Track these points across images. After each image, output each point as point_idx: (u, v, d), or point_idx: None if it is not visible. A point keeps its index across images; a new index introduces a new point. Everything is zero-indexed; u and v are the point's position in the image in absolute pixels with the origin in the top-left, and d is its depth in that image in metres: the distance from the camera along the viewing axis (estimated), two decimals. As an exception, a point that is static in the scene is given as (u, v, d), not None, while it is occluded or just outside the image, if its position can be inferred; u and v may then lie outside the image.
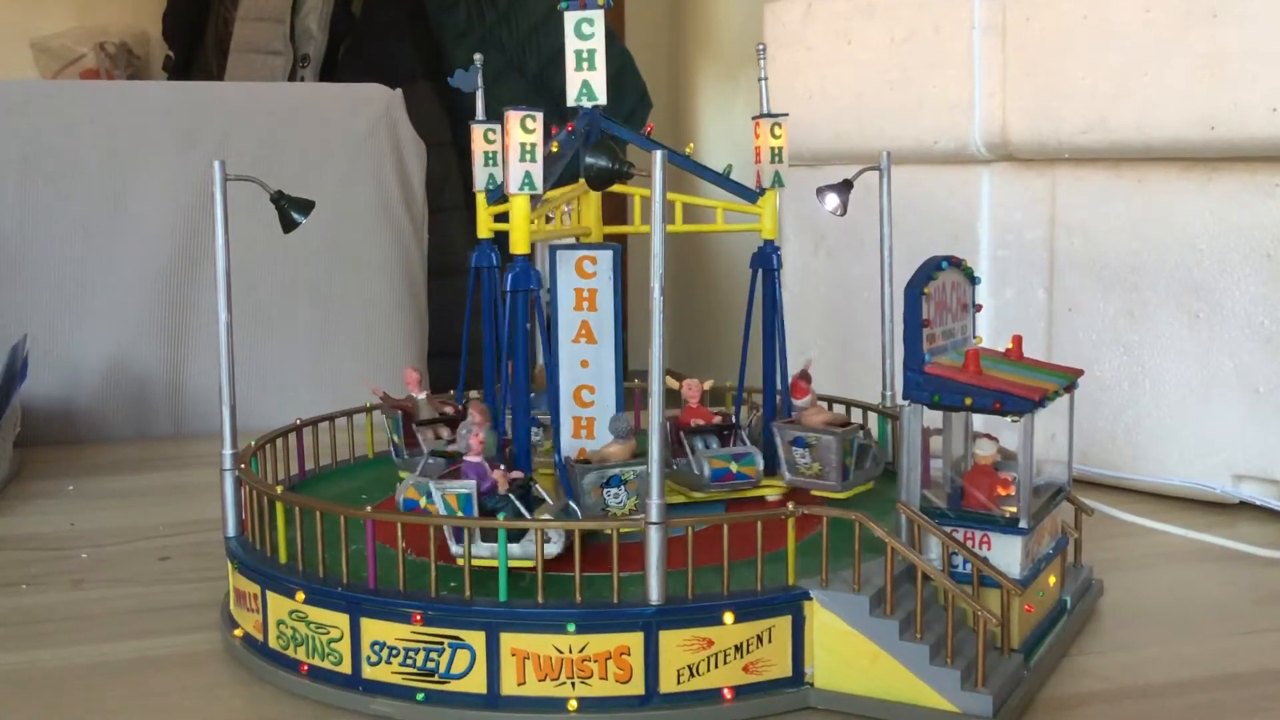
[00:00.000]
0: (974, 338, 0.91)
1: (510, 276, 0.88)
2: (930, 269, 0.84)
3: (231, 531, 0.92)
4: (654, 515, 0.76)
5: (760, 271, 1.03)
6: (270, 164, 1.70)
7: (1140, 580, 1.05)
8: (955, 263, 0.87)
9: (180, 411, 1.71)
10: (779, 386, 1.03)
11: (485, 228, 1.02)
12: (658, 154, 0.76)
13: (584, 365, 0.98)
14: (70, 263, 1.67)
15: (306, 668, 0.82)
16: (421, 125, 1.90)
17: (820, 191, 1.12)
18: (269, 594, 0.85)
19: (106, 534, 1.21)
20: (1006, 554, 0.81)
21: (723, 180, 1.00)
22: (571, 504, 0.88)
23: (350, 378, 1.73)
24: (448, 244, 2.13)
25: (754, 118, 1.02)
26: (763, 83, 1.04)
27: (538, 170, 0.86)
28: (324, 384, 1.73)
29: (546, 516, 0.84)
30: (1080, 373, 0.90)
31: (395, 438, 1.04)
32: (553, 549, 0.81)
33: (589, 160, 0.83)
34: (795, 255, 1.65)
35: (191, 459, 1.55)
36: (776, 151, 1.01)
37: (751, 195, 1.01)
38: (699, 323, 2.93)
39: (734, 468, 0.95)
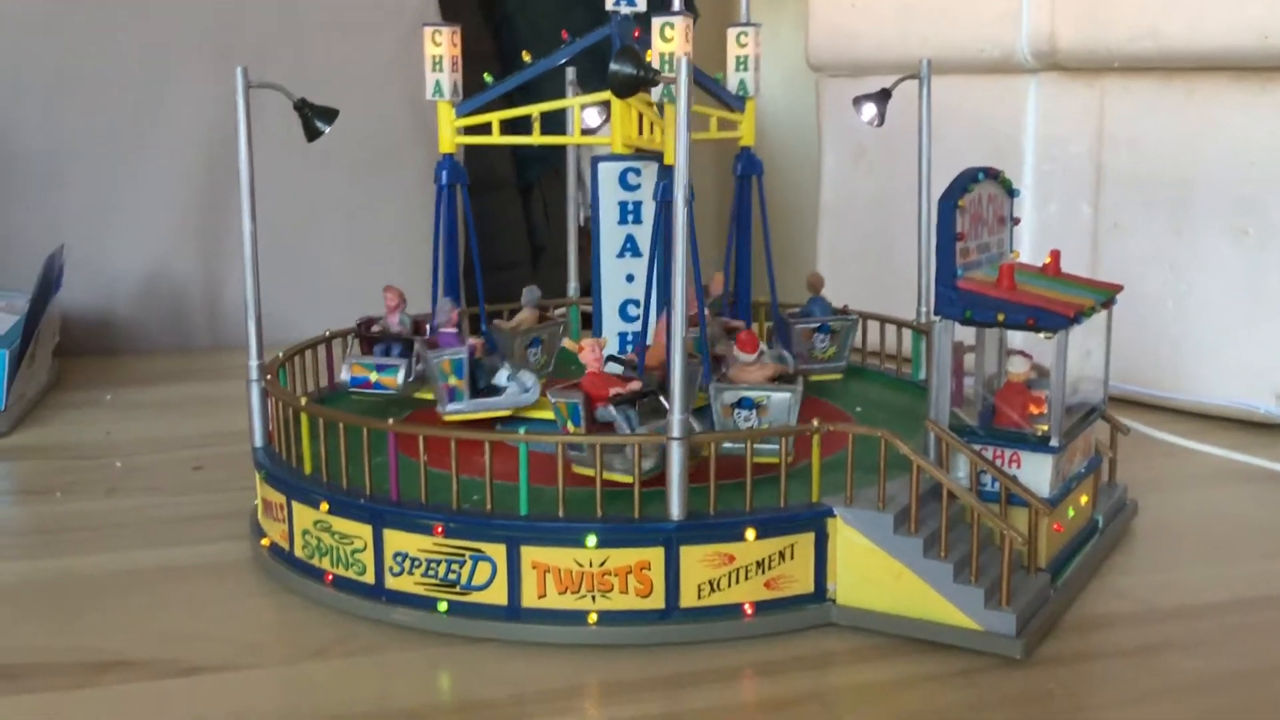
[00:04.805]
0: (1010, 252, 0.89)
1: (444, 172, 1.00)
2: (966, 180, 0.81)
3: (259, 442, 0.93)
4: (676, 430, 0.75)
5: (743, 179, 1.05)
6: (305, 73, 1.66)
7: (1177, 501, 1.03)
8: (992, 174, 0.85)
9: (218, 322, 1.71)
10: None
11: (448, 141, 1.00)
12: (683, 62, 0.74)
13: (628, 280, 0.97)
14: (105, 173, 1.66)
15: (331, 577, 0.83)
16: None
17: (857, 101, 1.10)
18: (294, 504, 0.85)
19: (141, 443, 1.22)
20: (1036, 472, 0.80)
21: (714, 86, 1.02)
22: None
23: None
24: (483, 155, 2.11)
25: (728, 27, 1.03)
26: None
27: (447, 79, 0.98)
28: (358, 296, 1.72)
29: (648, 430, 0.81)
30: (1119, 288, 0.88)
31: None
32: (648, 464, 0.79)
33: (614, 67, 0.80)
34: (835, 168, 1.62)
35: (228, 370, 1.55)
36: (742, 60, 1.04)
37: (740, 103, 1.04)
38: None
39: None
